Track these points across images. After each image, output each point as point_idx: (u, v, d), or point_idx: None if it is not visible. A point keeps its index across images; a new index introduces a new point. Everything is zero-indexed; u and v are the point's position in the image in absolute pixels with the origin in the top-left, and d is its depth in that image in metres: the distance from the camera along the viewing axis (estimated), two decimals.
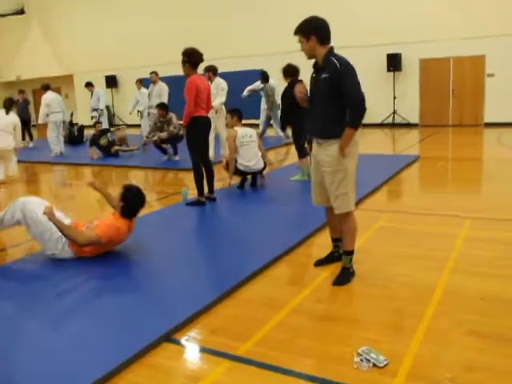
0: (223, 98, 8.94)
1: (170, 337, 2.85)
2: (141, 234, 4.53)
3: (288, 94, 6.24)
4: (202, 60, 5.82)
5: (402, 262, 3.94)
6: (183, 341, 2.84)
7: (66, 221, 4.18)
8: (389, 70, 14.20)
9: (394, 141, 12.67)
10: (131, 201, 4.20)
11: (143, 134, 12.92)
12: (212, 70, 8.88)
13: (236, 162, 6.52)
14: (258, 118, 13.09)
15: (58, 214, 4.32)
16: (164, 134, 9.56)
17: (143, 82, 12.84)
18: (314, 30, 3.39)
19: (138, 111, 12.71)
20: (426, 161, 8.69)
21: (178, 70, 15.28)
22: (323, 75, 3.38)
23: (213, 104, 8.17)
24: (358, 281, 3.59)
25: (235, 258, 4.07)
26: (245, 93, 12.49)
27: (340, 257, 3.78)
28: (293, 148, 10.58)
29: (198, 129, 5.82)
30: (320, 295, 3.40)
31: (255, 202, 6.13)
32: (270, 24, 15.77)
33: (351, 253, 3.63)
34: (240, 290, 3.49)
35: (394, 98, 14.40)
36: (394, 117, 14.53)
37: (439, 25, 13.41)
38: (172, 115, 9.73)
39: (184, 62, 5.75)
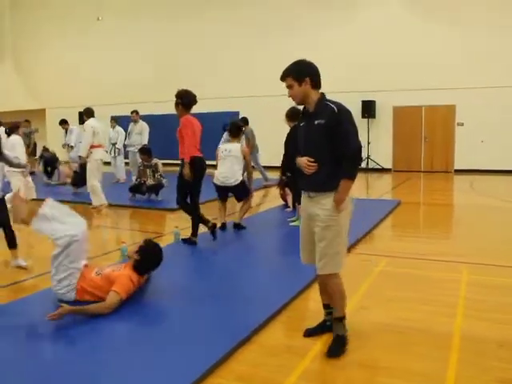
0: (85, 143, 8.73)
1: None
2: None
3: (294, 138, 6.33)
4: (195, 102, 5.80)
5: (412, 307, 3.95)
6: None
7: (82, 261, 4.01)
8: (363, 116, 14.63)
9: (370, 185, 12.93)
10: (147, 258, 4.04)
11: (116, 173, 12.68)
12: (86, 113, 8.92)
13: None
14: None
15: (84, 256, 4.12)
16: (151, 181, 9.43)
17: (118, 121, 12.79)
18: (308, 73, 3.13)
19: (115, 149, 12.59)
20: (407, 206, 8.88)
21: (153, 109, 15.39)
22: (317, 121, 3.08)
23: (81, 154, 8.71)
24: (372, 326, 3.57)
25: (243, 304, 3.97)
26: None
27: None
28: (271, 191, 10.69)
29: (195, 169, 5.74)
30: None
31: (248, 246, 6.09)
32: (249, 67, 16.15)
33: (343, 318, 3.26)
34: (256, 336, 3.41)
35: (368, 143, 14.79)
36: (367, 162, 14.89)
37: (412, 74, 14.02)
38: (157, 161, 9.58)
39: (177, 104, 5.74)
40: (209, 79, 16.64)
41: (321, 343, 3.29)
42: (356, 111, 14.61)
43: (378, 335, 3.44)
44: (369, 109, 14.66)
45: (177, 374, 2.80)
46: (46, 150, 14.00)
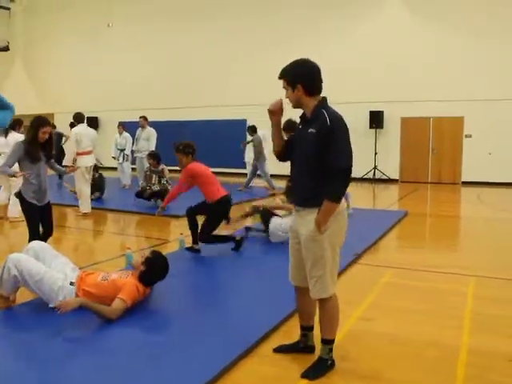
0: (69, 151, 8.97)
1: None
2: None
3: None
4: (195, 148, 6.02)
5: (418, 319, 3.90)
6: None
7: (69, 267, 4.02)
8: (371, 126, 14.62)
9: (377, 196, 12.88)
10: (153, 270, 4.00)
11: (122, 179, 12.66)
12: (75, 119, 8.96)
13: None
14: (242, 167, 13.25)
15: (63, 260, 4.13)
16: (156, 187, 9.40)
17: (126, 127, 12.80)
18: (300, 79, 2.85)
19: (124, 155, 12.60)
20: (414, 217, 8.82)
21: (163, 115, 15.40)
22: (310, 130, 2.85)
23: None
24: (377, 337, 3.53)
25: (246, 313, 3.93)
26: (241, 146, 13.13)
27: (306, 349, 3.24)
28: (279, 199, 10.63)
29: (221, 208, 5.89)
30: (343, 352, 3.28)
31: (253, 255, 6.06)
32: (257, 75, 16.17)
33: (331, 342, 3.03)
34: (259, 346, 3.37)
35: (375, 153, 14.75)
36: (374, 172, 14.84)
37: (421, 86, 14.01)
38: (164, 167, 9.57)
39: (181, 157, 5.96)
40: (217, 87, 16.70)
41: None
42: (364, 121, 14.65)
43: (383, 347, 3.39)
44: (377, 119, 14.65)
45: None
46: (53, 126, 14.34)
